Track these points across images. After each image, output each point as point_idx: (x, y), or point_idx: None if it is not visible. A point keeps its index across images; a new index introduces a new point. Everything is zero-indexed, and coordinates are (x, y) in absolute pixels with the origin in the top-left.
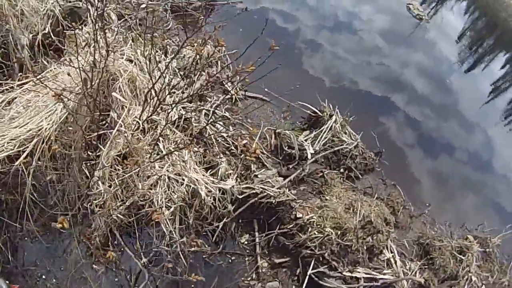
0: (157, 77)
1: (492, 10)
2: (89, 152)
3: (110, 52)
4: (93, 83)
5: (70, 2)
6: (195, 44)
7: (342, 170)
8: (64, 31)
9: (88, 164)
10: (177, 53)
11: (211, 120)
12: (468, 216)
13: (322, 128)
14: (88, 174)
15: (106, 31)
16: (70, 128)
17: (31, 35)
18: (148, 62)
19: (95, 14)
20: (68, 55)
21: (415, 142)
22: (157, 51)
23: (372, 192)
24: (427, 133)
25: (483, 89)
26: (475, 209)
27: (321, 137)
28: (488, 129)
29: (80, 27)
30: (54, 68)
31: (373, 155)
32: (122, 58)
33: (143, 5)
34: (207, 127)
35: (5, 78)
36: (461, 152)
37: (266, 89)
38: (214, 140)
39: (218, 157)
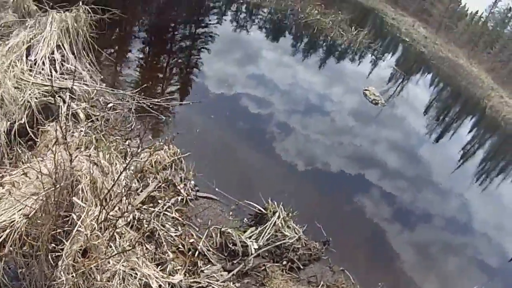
0: (115, 180)
1: (453, 80)
2: (54, 245)
3: (75, 156)
4: (57, 187)
5: (45, 96)
6: (152, 148)
7: (284, 262)
8: (38, 125)
9: (53, 255)
10: (133, 157)
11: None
12: (454, 280)
13: (266, 225)
14: (53, 264)
15: (74, 132)
16: (39, 221)
17: (8, 123)
18: (108, 165)
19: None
20: (38, 153)
21: (390, 217)
22: (117, 155)
23: (317, 281)
24: (402, 206)
25: (453, 155)
26: (460, 272)
27: (265, 233)
28: (462, 193)
29: (50, 124)
30: (25, 167)
31: (318, 245)
32: (87, 160)
33: (110, 104)
34: (158, 227)
35: None
36: (438, 219)
37: (216, 188)
38: (164, 239)
39: (167, 254)
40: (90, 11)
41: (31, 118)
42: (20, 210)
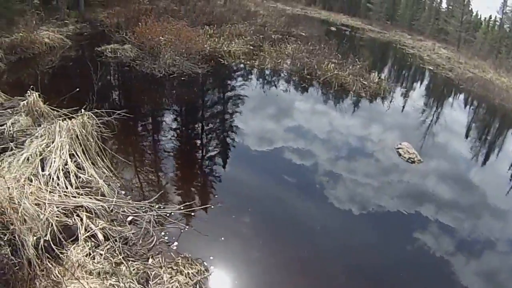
0: None
1: (486, 98)
2: None
3: None
4: None
5: (64, 215)
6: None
7: None
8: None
9: None
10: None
11: None
12: None
13: None
14: None
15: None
16: None
17: (35, 238)
18: None
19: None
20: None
21: (454, 249)
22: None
23: None
24: (464, 237)
25: (505, 174)
26: None
27: None
28: None
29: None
30: None
31: None
32: None
33: (129, 218)
34: None
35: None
36: (502, 243)
37: None
38: None
39: None
40: (94, 116)
41: (54, 235)
42: None
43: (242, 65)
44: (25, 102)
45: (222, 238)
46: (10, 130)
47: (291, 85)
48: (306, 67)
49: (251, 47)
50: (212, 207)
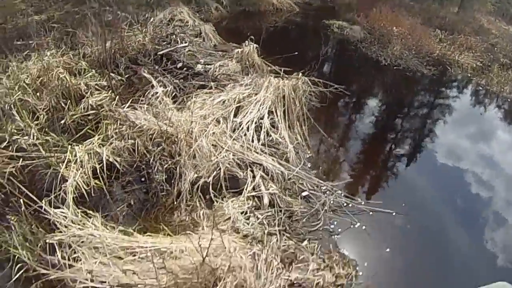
0: None
1: None
2: None
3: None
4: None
5: (237, 165)
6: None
7: None
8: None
9: None
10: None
11: None
12: None
13: None
14: None
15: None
16: None
17: (195, 175)
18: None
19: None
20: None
21: None
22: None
23: None
24: None
25: None
26: None
27: None
28: None
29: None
30: None
31: None
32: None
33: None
34: None
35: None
36: None
37: None
38: None
39: None
40: (310, 82)
41: (217, 180)
42: None
43: (466, 80)
44: (239, 50)
45: (388, 250)
46: (215, 71)
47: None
48: None
49: (481, 64)
50: (394, 214)
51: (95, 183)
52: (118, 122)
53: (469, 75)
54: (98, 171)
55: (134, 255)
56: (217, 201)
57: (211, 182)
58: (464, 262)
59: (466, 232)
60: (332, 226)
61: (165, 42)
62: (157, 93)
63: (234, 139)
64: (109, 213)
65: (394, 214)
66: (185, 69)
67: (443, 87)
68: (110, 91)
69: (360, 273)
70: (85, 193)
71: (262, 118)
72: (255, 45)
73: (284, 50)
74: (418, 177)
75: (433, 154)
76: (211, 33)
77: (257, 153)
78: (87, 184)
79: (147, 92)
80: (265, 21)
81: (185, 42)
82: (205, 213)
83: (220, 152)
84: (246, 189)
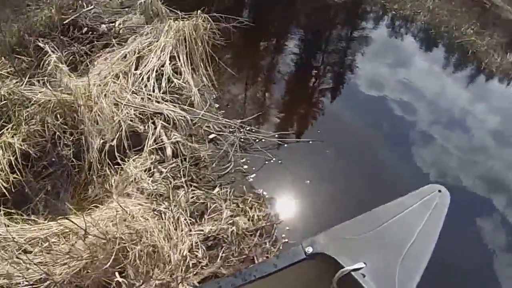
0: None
1: None
2: None
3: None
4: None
5: (140, 120)
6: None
7: None
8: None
9: None
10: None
11: None
12: None
13: None
14: None
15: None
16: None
17: (102, 141)
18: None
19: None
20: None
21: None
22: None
23: None
24: None
25: None
26: None
27: None
28: None
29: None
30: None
31: None
32: (152, 217)
33: (211, 135)
34: None
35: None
36: None
37: None
38: None
39: None
40: (210, 20)
41: (121, 141)
42: None
43: (379, 6)
44: (142, 1)
45: (308, 182)
46: (117, 28)
47: (424, 38)
48: (444, 25)
49: None
50: (311, 142)
51: (14, 177)
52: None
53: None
54: (13, 164)
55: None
56: (124, 164)
57: (115, 145)
58: (393, 176)
59: (390, 150)
60: (246, 167)
61: (71, 10)
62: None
63: (134, 93)
64: (29, 205)
65: (310, 142)
66: (90, 32)
67: (357, 18)
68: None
69: (281, 211)
70: (5, 191)
71: (163, 66)
72: None
73: None
74: (337, 107)
75: (353, 86)
76: None
77: (158, 102)
78: (6, 181)
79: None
80: None
81: (91, 5)
82: (115, 180)
83: (122, 110)
84: (147, 144)
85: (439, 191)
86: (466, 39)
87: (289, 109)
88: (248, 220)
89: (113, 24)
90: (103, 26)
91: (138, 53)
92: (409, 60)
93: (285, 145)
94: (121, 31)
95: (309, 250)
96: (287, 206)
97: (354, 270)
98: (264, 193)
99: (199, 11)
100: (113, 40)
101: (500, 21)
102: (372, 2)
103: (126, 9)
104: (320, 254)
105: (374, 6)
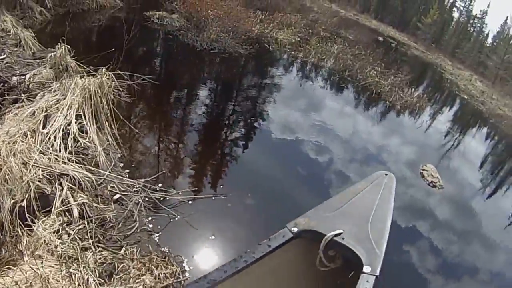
0: None
1: (507, 133)
2: None
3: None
4: None
5: (48, 181)
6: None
7: None
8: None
9: None
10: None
11: None
12: None
13: None
14: None
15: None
16: None
17: (12, 201)
18: None
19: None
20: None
21: (436, 269)
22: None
23: None
24: (449, 258)
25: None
26: None
27: None
28: None
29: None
30: None
31: None
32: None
33: (116, 196)
34: None
35: None
36: (484, 273)
37: None
38: None
39: None
40: (114, 78)
41: (30, 202)
42: None
43: (286, 55)
44: (53, 54)
45: (213, 237)
46: (28, 81)
47: (330, 83)
48: (348, 69)
49: (299, 39)
50: (213, 198)
51: None
52: None
53: (288, 50)
54: None
55: None
56: (34, 225)
57: (25, 205)
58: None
59: (300, 196)
60: (151, 225)
61: None
62: None
63: (41, 153)
64: None
65: (213, 198)
66: (1, 84)
67: (265, 66)
68: None
69: (188, 268)
70: None
71: (70, 124)
72: (67, 46)
73: (104, 48)
74: (246, 157)
75: (265, 133)
76: (31, 40)
77: (65, 163)
78: None
79: None
80: (89, 20)
81: (4, 54)
82: (28, 241)
83: (30, 170)
84: (54, 205)
85: (386, 174)
86: (370, 80)
87: (195, 165)
88: (155, 278)
89: (24, 77)
90: (14, 78)
91: (46, 111)
92: (318, 104)
93: (189, 202)
94: (30, 86)
95: (294, 229)
96: (193, 263)
97: (336, 235)
98: (170, 251)
99: (103, 69)
100: (23, 95)
101: (407, 57)
102: (278, 51)
103: (38, 60)
104: (304, 231)
105: (280, 55)
